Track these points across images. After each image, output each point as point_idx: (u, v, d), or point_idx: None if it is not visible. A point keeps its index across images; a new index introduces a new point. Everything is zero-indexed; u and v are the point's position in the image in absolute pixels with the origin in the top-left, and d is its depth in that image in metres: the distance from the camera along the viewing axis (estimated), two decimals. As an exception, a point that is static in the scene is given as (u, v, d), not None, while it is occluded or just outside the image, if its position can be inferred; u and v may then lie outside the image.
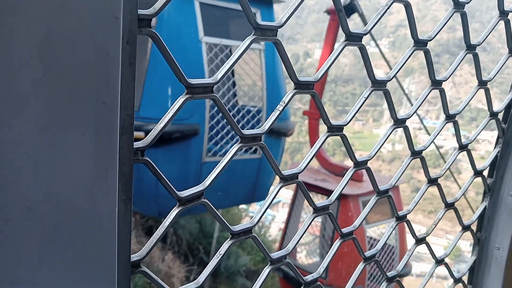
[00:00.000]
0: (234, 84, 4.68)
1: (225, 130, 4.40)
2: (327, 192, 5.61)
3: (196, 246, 8.11)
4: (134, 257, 0.57)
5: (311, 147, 0.71)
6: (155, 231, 0.58)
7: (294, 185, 0.70)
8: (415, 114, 0.87)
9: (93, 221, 0.47)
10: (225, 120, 4.13)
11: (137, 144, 0.52)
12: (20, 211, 0.41)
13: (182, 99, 0.55)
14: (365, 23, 5.55)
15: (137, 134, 4.26)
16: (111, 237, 0.50)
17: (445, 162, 1.09)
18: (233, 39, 4.40)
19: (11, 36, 0.37)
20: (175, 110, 0.54)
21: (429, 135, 1.16)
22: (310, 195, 0.76)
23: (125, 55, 0.46)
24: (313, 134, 6.45)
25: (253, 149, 4.54)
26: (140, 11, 0.47)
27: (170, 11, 4.02)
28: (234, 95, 4.68)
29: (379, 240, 0.97)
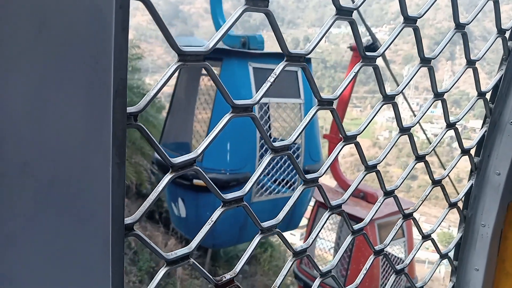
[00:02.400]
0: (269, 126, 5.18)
1: (269, 175, 5.01)
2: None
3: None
4: (128, 220, 0.60)
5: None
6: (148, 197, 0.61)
7: None
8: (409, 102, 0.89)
9: (87, 179, 0.49)
10: (270, 167, 4.93)
11: (130, 109, 0.54)
12: (17, 166, 0.43)
13: (175, 66, 0.56)
14: (386, 64, 6.15)
15: (198, 182, 4.44)
16: (105, 198, 0.52)
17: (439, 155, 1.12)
18: (277, 97, 5.08)
19: None
20: (167, 77, 0.55)
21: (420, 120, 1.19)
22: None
23: (118, 19, 0.48)
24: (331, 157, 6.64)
25: (291, 188, 5.27)
26: None
27: (230, 74, 4.69)
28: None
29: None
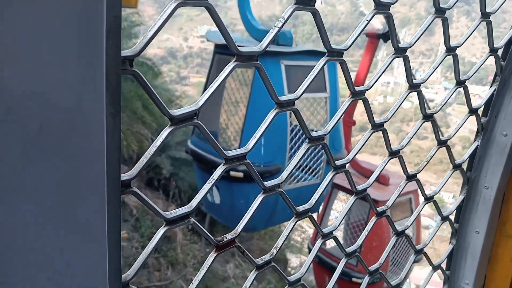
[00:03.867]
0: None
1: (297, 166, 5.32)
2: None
3: (193, 195, 8.28)
4: (124, 176, 0.55)
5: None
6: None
7: None
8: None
9: (80, 128, 0.44)
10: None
11: (125, 52, 0.48)
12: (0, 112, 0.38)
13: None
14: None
15: (235, 173, 4.70)
16: (100, 149, 0.48)
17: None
18: (308, 92, 5.03)
19: None
20: (164, 18, 0.50)
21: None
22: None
23: None
24: (346, 141, 6.89)
25: (316, 176, 5.55)
26: None
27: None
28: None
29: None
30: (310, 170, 5.48)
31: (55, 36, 0.40)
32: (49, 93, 0.41)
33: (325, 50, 0.70)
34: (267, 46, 0.61)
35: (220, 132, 5.71)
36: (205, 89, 5.87)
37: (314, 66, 0.71)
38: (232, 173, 4.93)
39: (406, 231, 1.06)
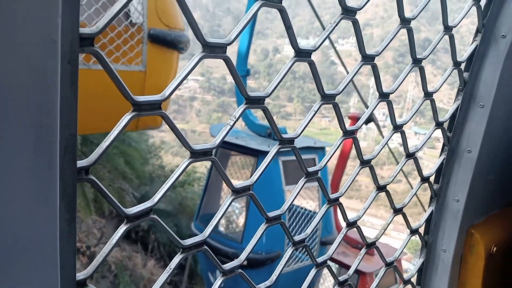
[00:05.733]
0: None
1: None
2: (346, 266, 6.66)
3: (173, 248, 8.16)
4: (80, 276, 0.57)
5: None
6: (103, 250, 0.58)
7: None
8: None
9: (32, 244, 0.46)
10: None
11: (80, 163, 0.51)
12: None
13: (129, 116, 0.55)
14: (379, 131, 7.03)
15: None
16: (53, 255, 0.50)
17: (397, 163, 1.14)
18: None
19: None
20: (120, 129, 0.54)
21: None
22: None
23: (65, 75, 0.46)
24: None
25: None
26: (82, 30, 0.47)
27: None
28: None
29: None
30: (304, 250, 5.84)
31: (10, 160, 0.43)
32: (3, 206, 0.43)
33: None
34: (220, 142, 0.66)
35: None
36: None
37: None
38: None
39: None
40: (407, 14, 0.86)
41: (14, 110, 0.41)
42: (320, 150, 6.25)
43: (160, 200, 0.64)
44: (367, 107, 8.06)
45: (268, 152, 0.77)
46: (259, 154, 5.84)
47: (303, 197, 6.53)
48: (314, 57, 0.74)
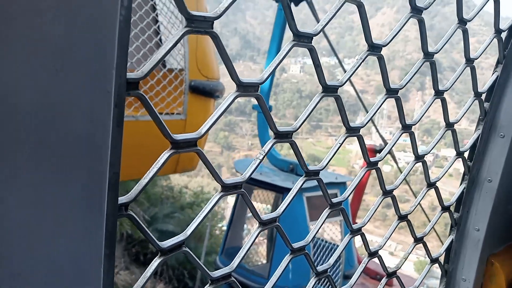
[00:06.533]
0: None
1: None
2: None
3: (181, 271, 8.14)
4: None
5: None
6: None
7: None
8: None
9: (79, 281, 0.48)
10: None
11: (121, 200, 0.53)
12: (10, 278, 0.42)
13: (167, 154, 0.56)
14: (395, 161, 7.29)
15: None
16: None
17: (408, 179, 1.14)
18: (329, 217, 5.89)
19: (10, 112, 0.38)
20: (159, 166, 0.55)
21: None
22: None
23: (114, 118, 0.48)
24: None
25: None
26: (129, 75, 0.49)
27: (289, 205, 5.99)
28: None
29: None
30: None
31: (62, 205, 0.44)
32: (54, 259, 0.45)
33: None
34: (249, 177, 0.68)
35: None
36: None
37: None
38: None
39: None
40: (430, 49, 0.88)
41: (69, 156, 0.43)
42: (342, 185, 6.42)
43: (193, 233, 0.66)
44: (375, 125, 8.13)
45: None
46: (284, 191, 5.96)
47: (326, 231, 6.71)
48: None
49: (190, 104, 4.09)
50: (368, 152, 0.93)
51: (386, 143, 7.48)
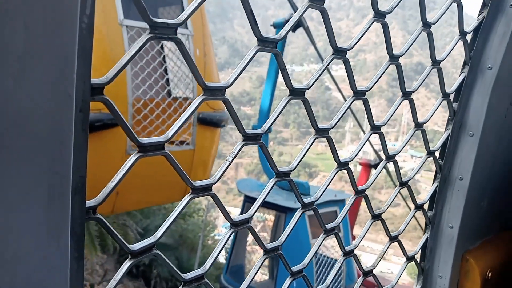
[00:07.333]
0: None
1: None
2: None
3: (174, 283, 8.13)
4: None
5: None
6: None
7: None
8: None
9: (46, 283, 0.49)
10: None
11: (89, 203, 0.54)
12: None
13: (135, 157, 0.58)
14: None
15: None
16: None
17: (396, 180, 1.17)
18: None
19: None
20: (126, 169, 0.57)
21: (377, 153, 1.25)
22: None
23: (78, 122, 0.49)
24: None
25: None
26: (93, 81, 0.51)
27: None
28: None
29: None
30: None
31: (25, 208, 0.46)
32: (19, 261, 0.46)
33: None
34: (219, 178, 0.70)
35: (245, 264, 7.05)
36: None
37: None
38: None
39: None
40: (395, 51, 0.91)
41: (32, 160, 0.44)
42: (340, 203, 6.58)
43: (163, 235, 0.67)
44: (363, 131, 8.25)
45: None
46: (287, 211, 6.17)
47: (327, 248, 6.91)
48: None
49: (198, 134, 4.41)
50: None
51: (375, 151, 7.58)
